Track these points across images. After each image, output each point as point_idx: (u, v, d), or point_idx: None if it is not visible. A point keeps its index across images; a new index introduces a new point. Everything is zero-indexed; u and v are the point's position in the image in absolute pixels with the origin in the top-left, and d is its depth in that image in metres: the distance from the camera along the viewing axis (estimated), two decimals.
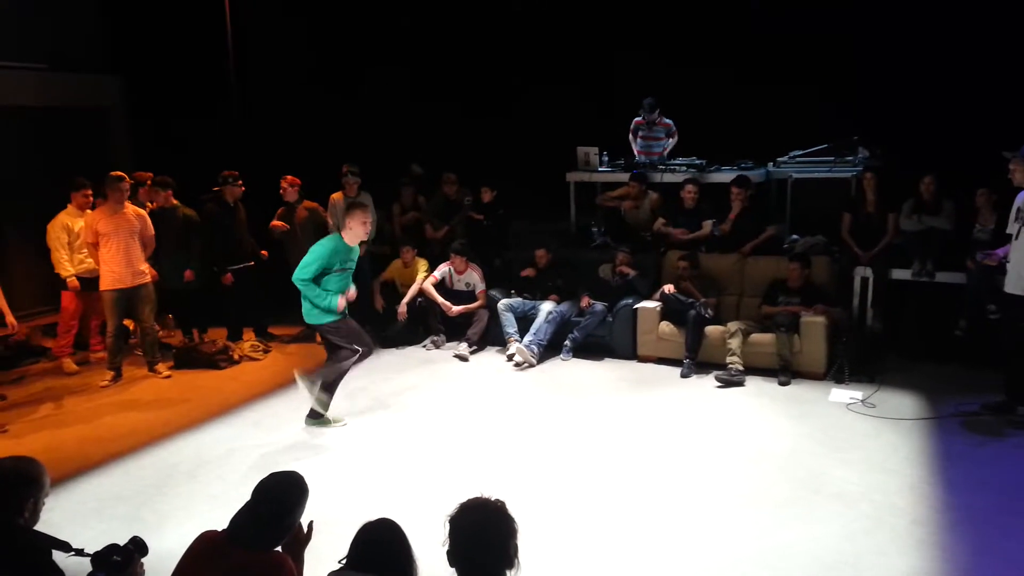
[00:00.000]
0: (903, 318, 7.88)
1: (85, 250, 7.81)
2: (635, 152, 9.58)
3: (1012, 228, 6.06)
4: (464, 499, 2.58)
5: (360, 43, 10.75)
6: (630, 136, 9.63)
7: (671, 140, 9.47)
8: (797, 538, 4.59)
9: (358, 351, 6.35)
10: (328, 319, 6.25)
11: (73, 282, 7.85)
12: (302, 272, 6.13)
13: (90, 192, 7.96)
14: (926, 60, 8.28)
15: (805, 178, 8.61)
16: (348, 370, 6.45)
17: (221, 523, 3.01)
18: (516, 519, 2.54)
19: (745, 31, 9.19)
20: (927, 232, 7.62)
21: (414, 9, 10.57)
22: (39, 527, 3.03)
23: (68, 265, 7.83)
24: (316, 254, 6.19)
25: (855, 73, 8.61)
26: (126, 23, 10.37)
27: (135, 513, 5.10)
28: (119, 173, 7.67)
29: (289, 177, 9.02)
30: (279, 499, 2.98)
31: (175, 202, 8.50)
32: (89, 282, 7.89)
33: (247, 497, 2.98)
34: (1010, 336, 6.19)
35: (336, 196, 9.09)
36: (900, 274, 7.76)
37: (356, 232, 6.27)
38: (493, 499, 2.57)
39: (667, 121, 9.47)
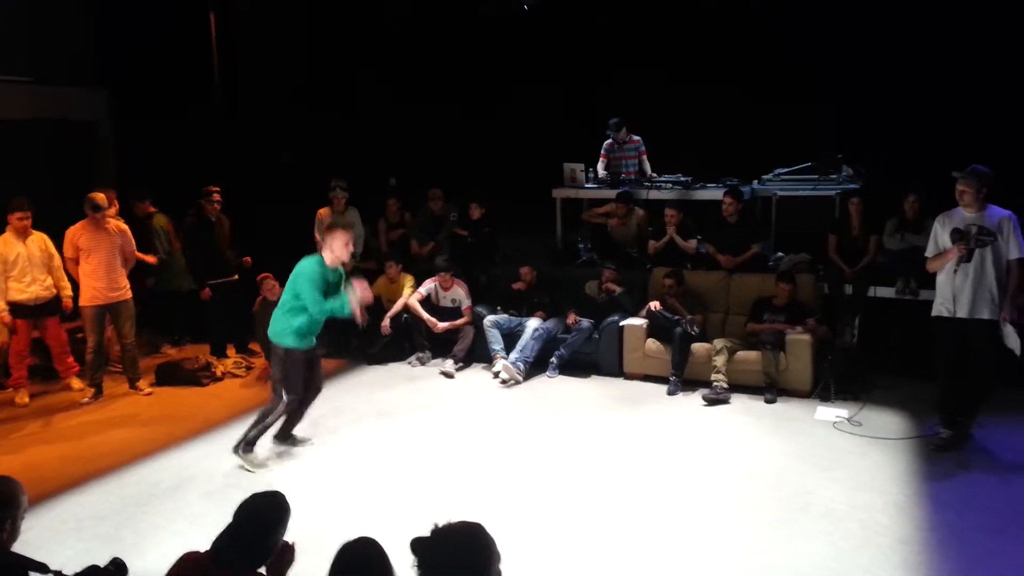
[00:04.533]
0: (888, 336, 7.90)
1: (28, 277, 7.39)
2: (599, 171, 9.60)
3: (956, 251, 5.74)
4: (439, 523, 2.38)
5: (349, 57, 10.78)
6: (600, 162, 9.64)
7: (644, 160, 9.52)
8: (784, 557, 4.57)
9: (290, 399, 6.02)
10: (289, 343, 5.91)
11: (5, 316, 7.31)
12: (317, 304, 5.75)
13: (21, 215, 7.33)
14: (911, 78, 8.38)
15: (789, 196, 8.66)
16: (272, 422, 6.09)
17: (203, 543, 2.96)
18: (497, 541, 2.39)
19: (731, 50, 9.26)
20: (911, 250, 7.65)
21: (403, 25, 10.61)
22: (16, 547, 2.97)
23: (0, 298, 7.29)
24: (308, 280, 5.75)
25: (839, 91, 8.68)
26: (112, 36, 10.35)
27: (115, 533, 5.02)
28: (97, 198, 7.47)
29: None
30: (261, 519, 2.95)
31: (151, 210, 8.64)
32: (34, 309, 7.51)
33: (229, 517, 2.94)
34: (953, 363, 6.03)
35: (323, 211, 9.07)
36: (884, 292, 7.80)
37: (338, 254, 5.88)
38: (469, 523, 2.39)
39: (636, 138, 9.53)
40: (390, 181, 10.27)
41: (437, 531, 2.37)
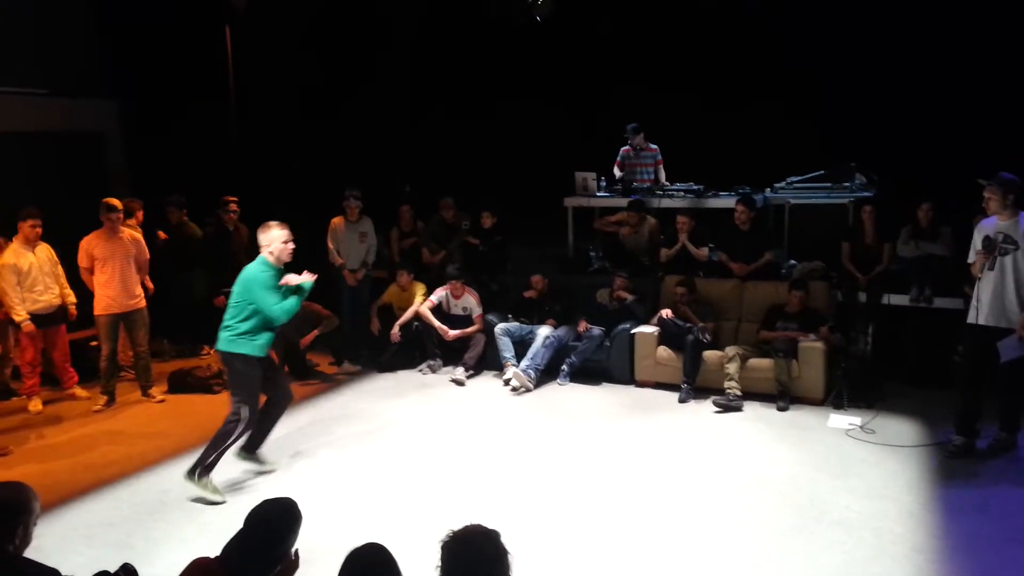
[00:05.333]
0: (902, 344, 7.85)
1: (40, 286, 7.42)
2: (616, 174, 9.62)
3: (979, 258, 5.85)
4: (457, 527, 2.51)
5: (360, 66, 10.82)
6: (615, 168, 9.67)
7: (660, 169, 9.52)
8: (797, 566, 4.53)
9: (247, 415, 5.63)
10: (244, 350, 5.58)
11: (28, 326, 7.31)
12: (276, 307, 5.50)
13: (35, 222, 7.37)
14: (924, 86, 8.35)
15: (802, 204, 8.63)
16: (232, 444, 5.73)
17: (213, 550, 2.96)
18: (510, 549, 2.47)
19: (743, 58, 9.25)
20: (925, 258, 7.63)
21: (415, 34, 10.66)
22: (28, 554, 2.98)
23: (21, 309, 7.27)
24: (261, 286, 5.50)
25: (852, 99, 8.66)
26: (122, 48, 10.42)
27: (126, 540, 5.03)
28: (111, 201, 7.57)
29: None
30: (272, 526, 2.93)
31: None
32: (46, 318, 7.52)
33: (240, 524, 2.93)
34: (973, 369, 6.09)
35: (337, 220, 9.07)
36: (898, 300, 7.76)
37: (277, 255, 5.63)
38: (488, 528, 2.51)
39: (653, 147, 9.53)
40: (405, 188, 10.30)
41: (455, 534, 2.44)
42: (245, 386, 5.66)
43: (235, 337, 5.57)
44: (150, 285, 8.17)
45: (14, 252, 7.38)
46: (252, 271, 5.62)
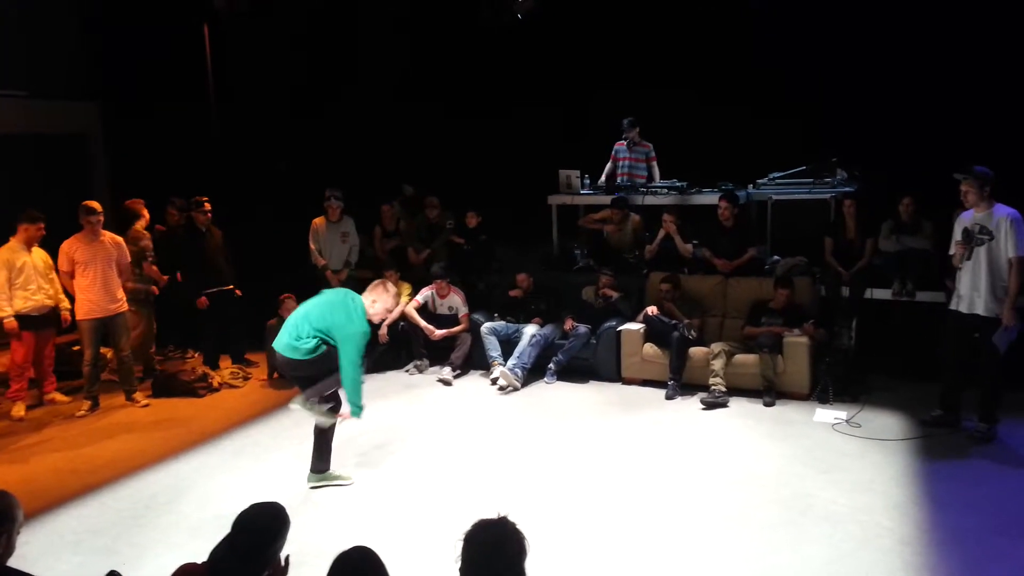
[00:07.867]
0: (885, 338, 7.90)
1: (33, 285, 7.36)
2: (616, 175, 9.61)
3: (958, 249, 6.14)
4: (479, 518, 2.67)
5: (342, 64, 10.77)
6: (610, 163, 9.67)
7: (654, 166, 9.51)
8: (785, 560, 4.55)
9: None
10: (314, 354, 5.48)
11: (10, 323, 7.22)
12: (356, 369, 5.43)
13: (43, 226, 7.40)
14: (904, 81, 8.40)
15: (785, 199, 8.67)
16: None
17: (200, 555, 2.95)
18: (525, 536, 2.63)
19: (724, 55, 9.28)
20: (906, 252, 7.69)
21: (401, 32, 10.62)
22: (12, 562, 2.95)
23: (6, 306, 7.21)
24: (355, 343, 5.37)
25: (833, 94, 8.70)
26: (105, 49, 10.34)
27: (112, 546, 4.99)
28: (91, 204, 7.50)
29: None
30: (259, 531, 2.92)
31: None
32: (37, 320, 7.44)
33: (227, 529, 2.91)
34: (953, 353, 6.38)
35: (318, 221, 9.04)
36: (881, 294, 7.81)
37: (377, 312, 5.61)
38: (503, 516, 2.69)
39: (647, 144, 9.54)
40: (404, 188, 10.25)
41: (469, 530, 2.62)
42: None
43: (295, 346, 5.47)
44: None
45: (10, 249, 7.35)
46: (350, 324, 5.40)
